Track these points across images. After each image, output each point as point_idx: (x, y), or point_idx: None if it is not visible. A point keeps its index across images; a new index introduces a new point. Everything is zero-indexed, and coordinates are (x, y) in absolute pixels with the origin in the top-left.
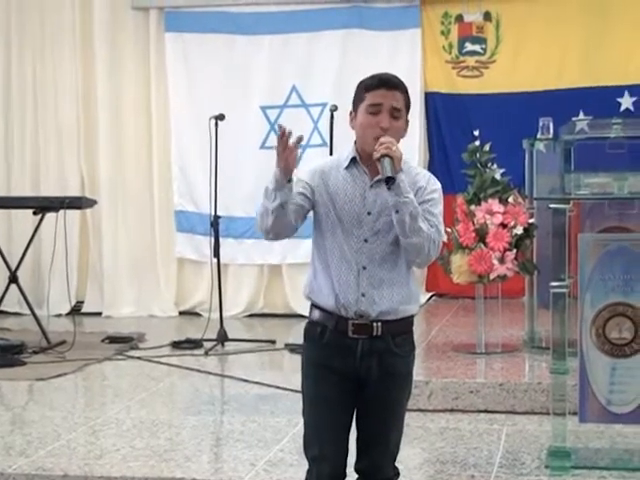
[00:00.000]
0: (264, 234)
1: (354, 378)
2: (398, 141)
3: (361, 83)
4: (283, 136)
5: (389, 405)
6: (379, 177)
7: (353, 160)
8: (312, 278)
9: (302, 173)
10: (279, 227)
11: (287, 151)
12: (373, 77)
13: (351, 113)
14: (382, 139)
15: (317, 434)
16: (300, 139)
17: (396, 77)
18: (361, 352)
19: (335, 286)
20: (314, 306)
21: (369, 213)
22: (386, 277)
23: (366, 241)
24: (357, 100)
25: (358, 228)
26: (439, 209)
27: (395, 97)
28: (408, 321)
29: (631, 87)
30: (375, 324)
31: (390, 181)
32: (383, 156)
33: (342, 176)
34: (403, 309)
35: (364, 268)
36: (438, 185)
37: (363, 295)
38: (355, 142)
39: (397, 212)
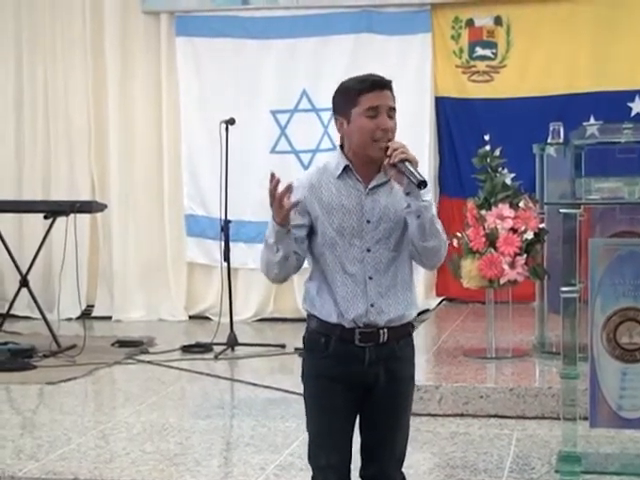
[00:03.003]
0: (271, 281)
1: (359, 386)
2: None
3: (348, 87)
4: (275, 188)
5: (395, 410)
6: (374, 184)
7: (345, 168)
8: (314, 294)
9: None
10: (286, 273)
11: (282, 203)
12: (363, 80)
13: (338, 119)
14: (393, 144)
15: (323, 443)
16: (289, 188)
17: (384, 77)
18: (369, 360)
19: (340, 302)
20: (314, 316)
21: (369, 221)
22: (392, 284)
23: (369, 250)
24: (348, 105)
25: (359, 238)
26: (435, 210)
27: (388, 97)
28: (410, 325)
29: None
30: (382, 331)
31: (423, 184)
32: (402, 161)
33: (335, 187)
34: (408, 314)
35: (370, 278)
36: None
37: (372, 305)
38: (342, 148)
39: (418, 217)
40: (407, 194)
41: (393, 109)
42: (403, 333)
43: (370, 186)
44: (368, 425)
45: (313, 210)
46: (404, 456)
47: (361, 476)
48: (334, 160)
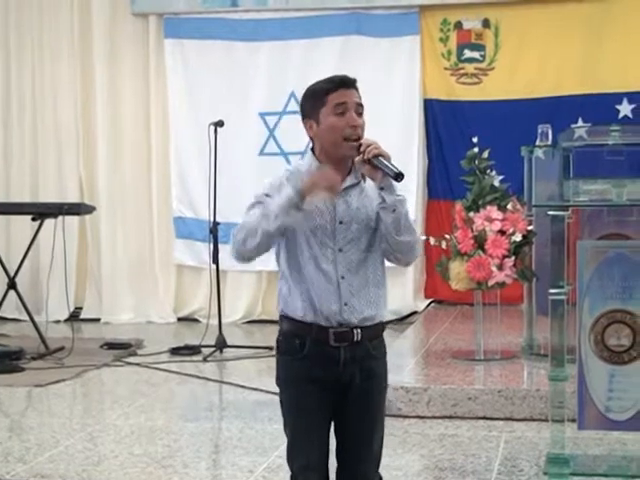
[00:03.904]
0: (240, 255)
1: (335, 386)
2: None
3: (315, 90)
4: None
5: (371, 408)
6: (346, 185)
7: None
8: (287, 294)
9: (266, 189)
10: (262, 250)
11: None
12: (329, 81)
13: (307, 122)
14: (365, 141)
15: (302, 445)
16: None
17: (348, 75)
18: (344, 360)
19: (315, 300)
20: (288, 318)
21: (341, 222)
22: (364, 284)
23: (341, 250)
24: (316, 106)
25: (331, 239)
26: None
27: (355, 94)
28: (382, 325)
29: (630, 94)
30: (355, 330)
31: (400, 176)
32: (376, 156)
33: None
34: (380, 314)
35: (342, 278)
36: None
37: (345, 304)
38: (312, 151)
39: (394, 211)
40: (381, 189)
41: (361, 106)
42: (376, 333)
43: (342, 187)
44: (345, 425)
45: None
46: (381, 456)
47: (338, 478)
48: (305, 162)
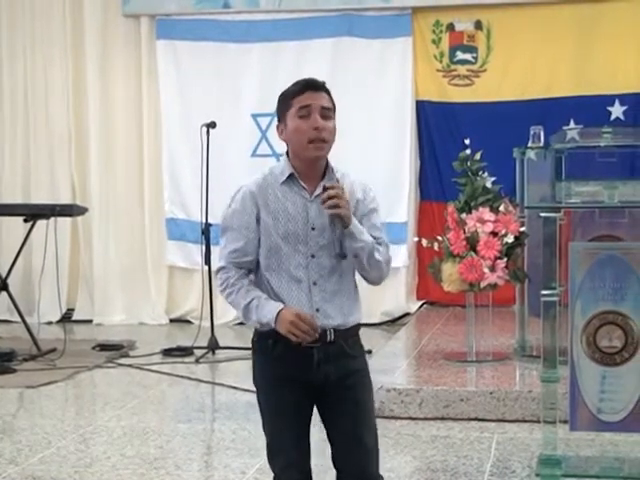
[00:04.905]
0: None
1: (311, 385)
2: (333, 142)
3: (284, 93)
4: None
5: (356, 405)
6: (320, 191)
7: (290, 176)
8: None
9: (234, 214)
10: None
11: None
12: (296, 83)
13: (279, 127)
14: (330, 191)
15: (281, 446)
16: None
17: (317, 79)
18: (318, 359)
19: (287, 305)
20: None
21: (313, 228)
22: (336, 289)
23: (313, 256)
24: (284, 109)
25: (304, 245)
26: (380, 219)
27: (322, 97)
28: (357, 327)
29: (621, 96)
30: (328, 331)
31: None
32: (333, 216)
33: (280, 193)
34: (353, 319)
35: (314, 284)
36: (374, 192)
37: (317, 310)
38: (287, 155)
39: (356, 256)
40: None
41: (328, 109)
42: (351, 333)
43: (316, 193)
44: (333, 425)
45: (257, 221)
46: (378, 456)
47: None
48: (279, 166)
